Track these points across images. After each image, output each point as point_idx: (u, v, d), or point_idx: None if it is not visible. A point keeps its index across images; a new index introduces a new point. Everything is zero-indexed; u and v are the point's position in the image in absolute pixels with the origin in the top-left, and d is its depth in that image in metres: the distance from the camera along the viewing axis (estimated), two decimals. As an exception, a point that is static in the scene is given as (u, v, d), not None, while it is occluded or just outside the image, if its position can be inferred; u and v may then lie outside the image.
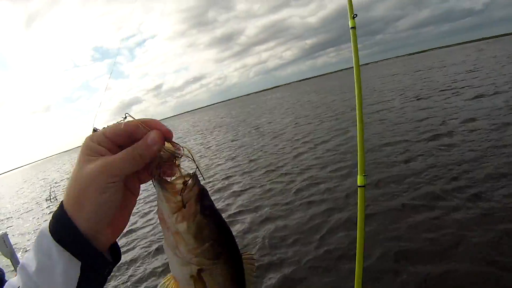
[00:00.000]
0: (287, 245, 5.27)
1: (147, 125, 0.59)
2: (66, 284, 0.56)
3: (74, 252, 0.57)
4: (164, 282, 0.66)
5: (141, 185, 0.68)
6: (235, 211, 7.75)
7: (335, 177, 7.94)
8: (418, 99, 16.54)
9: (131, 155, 0.57)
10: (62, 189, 18.13)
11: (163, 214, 0.60)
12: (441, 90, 17.33)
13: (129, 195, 0.65)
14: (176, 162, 0.61)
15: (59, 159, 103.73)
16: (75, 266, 0.57)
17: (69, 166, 46.30)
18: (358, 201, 2.54)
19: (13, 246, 3.67)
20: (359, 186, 2.56)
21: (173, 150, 0.60)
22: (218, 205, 9.10)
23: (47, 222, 0.59)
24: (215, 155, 16.56)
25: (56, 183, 24.32)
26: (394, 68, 60.06)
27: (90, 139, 0.59)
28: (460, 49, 79.89)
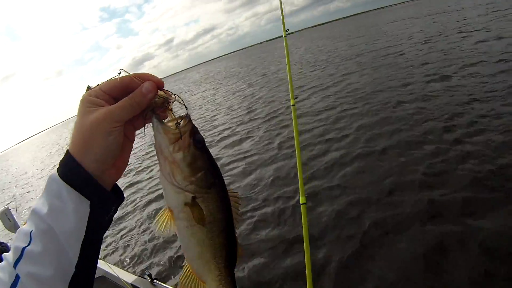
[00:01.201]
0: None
1: (140, 77, 0.65)
2: (77, 222, 0.62)
3: (83, 191, 0.62)
4: (160, 215, 0.72)
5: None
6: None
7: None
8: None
9: (130, 102, 0.64)
10: None
11: (161, 146, 0.67)
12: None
13: (126, 140, 0.71)
14: (169, 107, 0.68)
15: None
16: (84, 205, 0.63)
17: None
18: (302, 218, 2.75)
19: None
20: (301, 204, 2.80)
21: (166, 96, 0.67)
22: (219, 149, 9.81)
23: (55, 170, 0.65)
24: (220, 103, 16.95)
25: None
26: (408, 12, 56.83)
27: (88, 94, 0.65)
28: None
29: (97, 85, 0.66)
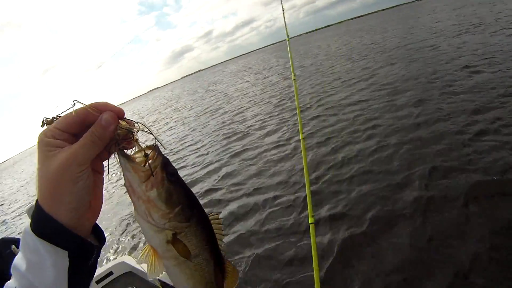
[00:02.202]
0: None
1: (97, 108, 0.61)
2: (58, 275, 0.59)
3: (59, 244, 0.59)
4: (142, 253, 0.70)
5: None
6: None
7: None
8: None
9: (91, 139, 0.59)
10: None
11: (132, 185, 0.63)
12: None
13: (96, 175, 0.67)
14: (134, 137, 0.64)
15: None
16: (63, 257, 0.59)
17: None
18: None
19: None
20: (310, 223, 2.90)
21: (128, 127, 0.63)
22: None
23: (28, 222, 0.61)
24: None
25: None
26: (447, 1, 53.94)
27: (44, 135, 0.60)
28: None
29: (53, 118, 0.62)
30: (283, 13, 4.87)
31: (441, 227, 3.91)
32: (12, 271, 0.60)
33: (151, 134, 0.65)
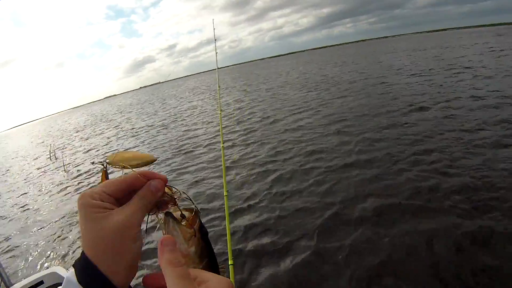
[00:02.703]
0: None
1: (145, 175, 0.65)
2: None
3: None
4: None
5: None
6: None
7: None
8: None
9: (143, 203, 0.62)
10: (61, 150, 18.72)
11: (177, 243, 0.65)
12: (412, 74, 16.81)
13: None
14: (177, 203, 0.69)
15: (70, 115, 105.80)
16: None
17: (74, 121, 45.89)
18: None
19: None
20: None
21: (172, 194, 0.68)
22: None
23: (73, 276, 0.58)
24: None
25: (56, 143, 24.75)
26: (410, 43, 58.16)
27: (91, 197, 0.60)
28: (479, 32, 75.96)
29: (100, 184, 0.64)
30: (215, 49, 5.20)
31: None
32: None
33: (190, 200, 0.71)
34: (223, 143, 3.88)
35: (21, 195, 11.09)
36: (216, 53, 5.30)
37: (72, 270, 0.60)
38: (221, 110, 4.50)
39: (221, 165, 3.68)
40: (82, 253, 0.59)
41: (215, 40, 5.27)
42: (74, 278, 0.58)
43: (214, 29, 5.41)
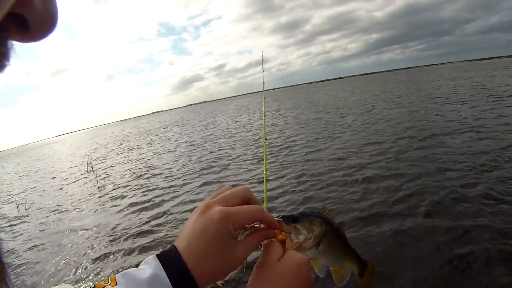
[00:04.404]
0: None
1: (269, 223, 0.71)
2: None
3: None
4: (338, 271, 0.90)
5: None
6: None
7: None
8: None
9: (256, 246, 0.69)
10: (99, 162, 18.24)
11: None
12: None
13: None
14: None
15: (116, 127, 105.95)
16: None
17: (117, 133, 46.97)
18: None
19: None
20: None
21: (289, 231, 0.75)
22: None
23: (159, 266, 0.61)
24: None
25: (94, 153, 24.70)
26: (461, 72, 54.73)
27: (233, 226, 0.64)
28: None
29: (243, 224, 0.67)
30: (263, 74, 5.09)
31: None
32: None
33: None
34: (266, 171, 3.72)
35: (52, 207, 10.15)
36: (263, 83, 5.18)
37: (153, 262, 0.62)
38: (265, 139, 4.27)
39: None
40: (176, 250, 0.63)
41: (263, 61, 5.23)
42: (165, 276, 0.60)
43: (262, 51, 5.23)
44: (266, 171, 3.83)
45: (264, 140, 4.17)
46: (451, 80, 35.75)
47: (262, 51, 5.28)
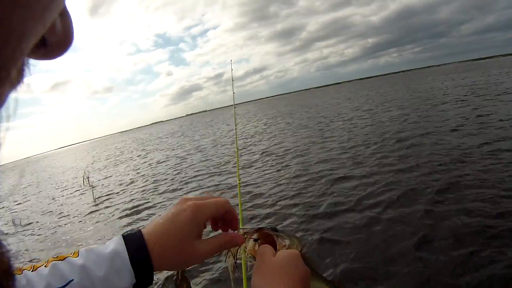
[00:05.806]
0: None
1: (232, 225, 0.76)
2: None
3: (138, 276, 0.62)
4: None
5: None
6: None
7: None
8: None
9: (220, 249, 0.71)
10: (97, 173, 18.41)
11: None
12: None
13: None
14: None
15: (116, 138, 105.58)
16: (131, 284, 0.63)
17: (114, 147, 46.24)
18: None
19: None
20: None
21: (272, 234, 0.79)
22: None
23: (122, 244, 0.63)
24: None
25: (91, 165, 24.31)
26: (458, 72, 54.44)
27: (202, 218, 0.68)
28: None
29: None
30: (232, 84, 4.87)
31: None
32: (79, 268, 0.59)
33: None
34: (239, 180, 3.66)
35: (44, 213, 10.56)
36: (234, 93, 4.75)
37: (117, 240, 0.65)
38: (237, 149, 3.99)
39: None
40: (140, 231, 0.66)
41: (232, 80, 4.68)
42: (125, 251, 0.63)
43: (232, 69, 4.99)
44: (239, 180, 3.74)
45: (236, 150, 4.03)
46: (442, 82, 35.91)
47: (231, 67, 4.92)
